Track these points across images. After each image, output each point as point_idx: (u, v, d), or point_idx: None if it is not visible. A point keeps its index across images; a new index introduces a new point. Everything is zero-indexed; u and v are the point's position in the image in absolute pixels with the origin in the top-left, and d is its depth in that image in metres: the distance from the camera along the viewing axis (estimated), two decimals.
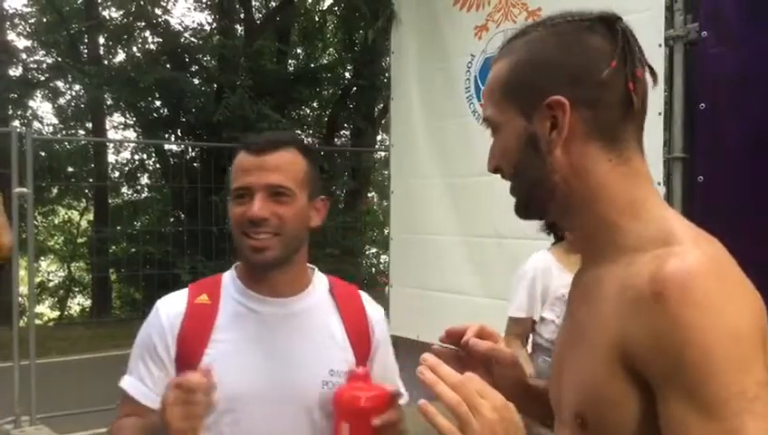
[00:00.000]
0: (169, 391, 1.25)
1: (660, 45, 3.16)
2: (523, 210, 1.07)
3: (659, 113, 3.15)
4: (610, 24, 1.00)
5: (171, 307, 1.52)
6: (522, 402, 1.07)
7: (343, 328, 1.56)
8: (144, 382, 1.49)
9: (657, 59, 3.16)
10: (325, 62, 17.84)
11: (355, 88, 16.31)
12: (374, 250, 16.75)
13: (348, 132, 18.13)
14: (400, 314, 4.51)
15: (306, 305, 1.55)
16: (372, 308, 1.63)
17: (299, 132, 17.47)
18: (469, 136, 3.95)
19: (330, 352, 1.51)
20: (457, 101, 4.10)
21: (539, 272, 2.88)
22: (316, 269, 1.64)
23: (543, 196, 1.02)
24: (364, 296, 1.66)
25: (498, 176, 1.08)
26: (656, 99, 3.15)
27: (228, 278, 1.57)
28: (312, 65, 17.33)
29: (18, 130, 5.66)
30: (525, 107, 1.01)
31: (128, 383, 1.51)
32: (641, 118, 1.04)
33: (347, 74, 16.87)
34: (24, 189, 4.98)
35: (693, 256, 0.87)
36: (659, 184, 3.11)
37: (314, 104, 18.10)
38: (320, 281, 1.61)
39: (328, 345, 1.52)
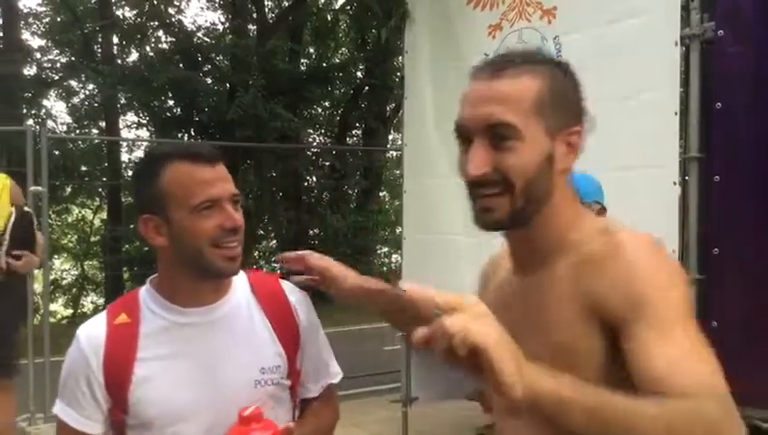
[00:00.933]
0: None
1: (676, 44, 3.13)
2: (511, 221, 1.14)
3: (675, 113, 3.11)
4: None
5: (91, 333, 1.48)
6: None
7: (268, 323, 1.53)
8: (75, 408, 1.45)
9: (674, 58, 3.14)
10: (337, 61, 17.85)
11: (367, 87, 16.32)
12: (386, 249, 16.75)
13: (359, 132, 18.12)
14: None
15: (228, 308, 1.51)
16: (293, 294, 1.59)
17: (311, 132, 17.50)
18: None
19: (258, 350, 1.50)
20: None
21: None
22: None
23: (535, 210, 1.13)
24: (285, 284, 1.62)
25: None
26: (672, 98, 3.13)
27: (145, 293, 1.53)
28: (325, 65, 17.35)
29: (33, 128, 5.69)
30: (552, 127, 1.12)
31: (59, 409, 1.48)
32: None
33: (359, 74, 16.87)
34: (39, 188, 5.01)
35: (633, 232, 1.11)
36: (675, 184, 3.08)
37: (326, 103, 18.12)
38: (239, 280, 1.57)
39: (255, 344, 1.51)
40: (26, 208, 4.17)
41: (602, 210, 2.77)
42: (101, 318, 1.51)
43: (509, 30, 3.91)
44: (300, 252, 1.55)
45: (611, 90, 3.35)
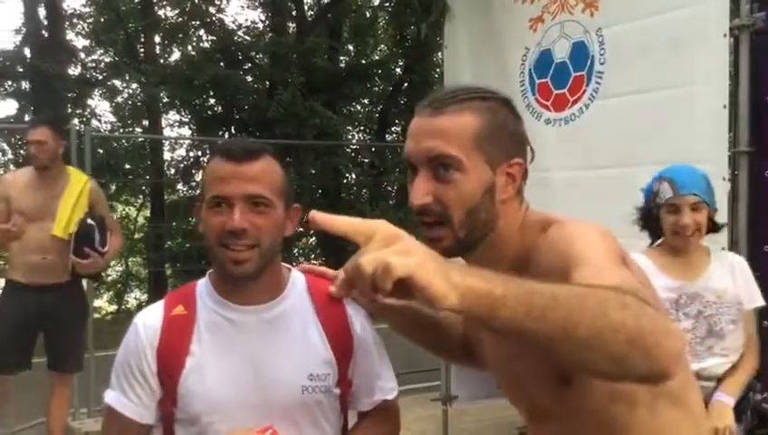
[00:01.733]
0: None
1: (725, 35, 3.04)
2: (457, 249, 1.22)
3: (724, 106, 3.02)
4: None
5: (148, 321, 1.49)
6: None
7: (322, 329, 1.51)
8: (128, 397, 1.47)
9: (722, 49, 3.05)
10: (376, 58, 17.84)
11: (406, 84, 16.28)
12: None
13: (399, 128, 18.09)
14: None
15: (282, 310, 1.50)
16: (351, 304, 1.56)
17: (350, 129, 17.52)
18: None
19: (308, 357, 1.48)
20: (512, 94, 3.99)
21: None
22: (293, 269, 1.59)
23: (479, 238, 1.22)
24: None
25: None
26: (720, 91, 3.04)
27: (203, 287, 1.54)
28: (363, 61, 17.36)
29: (77, 127, 5.78)
30: (492, 161, 1.20)
31: (112, 398, 1.49)
32: None
33: (398, 70, 16.84)
34: None
35: (564, 220, 1.20)
36: (724, 179, 2.99)
37: (365, 100, 18.11)
38: (297, 282, 1.56)
39: (306, 350, 1.48)
40: (100, 212, 4.27)
41: (699, 204, 2.54)
42: (159, 307, 1.52)
43: (550, 23, 3.84)
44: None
45: (657, 83, 3.28)
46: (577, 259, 1.05)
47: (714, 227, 2.65)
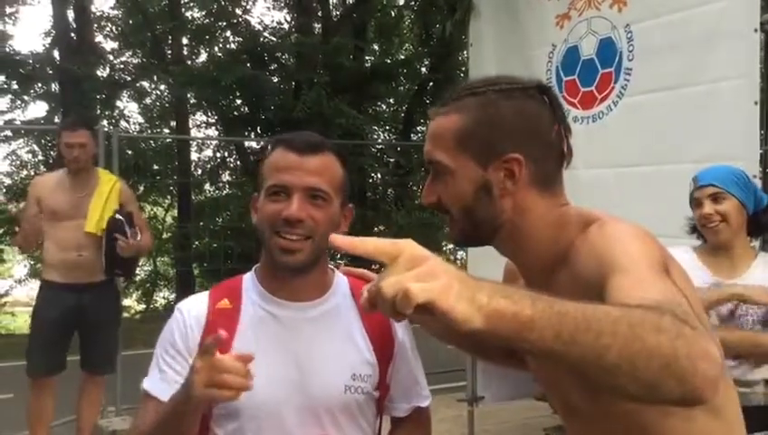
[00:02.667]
0: (197, 358, 1.21)
1: (756, 30, 2.98)
2: (466, 241, 1.31)
3: (755, 102, 2.96)
4: (544, 91, 1.24)
5: (193, 309, 1.48)
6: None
7: (364, 331, 1.50)
8: (167, 381, 1.42)
9: (753, 45, 2.99)
10: (402, 57, 17.83)
11: (431, 83, 16.24)
12: (451, 246, 16.65)
13: (424, 128, 18.02)
14: None
15: (326, 309, 1.49)
16: None
17: (375, 128, 17.53)
18: None
19: (351, 357, 1.46)
20: None
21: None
22: (336, 271, 1.58)
23: (489, 232, 1.23)
24: None
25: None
26: (751, 87, 2.99)
27: (249, 281, 1.53)
28: (389, 61, 17.35)
29: (105, 128, 5.84)
30: (481, 158, 1.19)
31: (149, 383, 1.46)
32: (567, 159, 1.28)
33: (423, 69, 16.81)
34: None
35: (605, 220, 1.16)
36: (755, 177, 2.93)
37: (391, 100, 18.11)
38: (340, 283, 1.55)
39: (349, 349, 1.47)
40: (129, 209, 4.31)
41: (719, 195, 2.48)
42: (203, 299, 1.51)
43: (577, 19, 3.80)
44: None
45: (686, 80, 3.23)
46: (616, 266, 1.02)
47: (755, 228, 2.57)
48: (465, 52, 4.94)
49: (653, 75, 3.40)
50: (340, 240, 0.86)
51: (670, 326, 0.83)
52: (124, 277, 4.83)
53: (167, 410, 1.32)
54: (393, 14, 17.08)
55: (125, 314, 10.09)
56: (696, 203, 2.55)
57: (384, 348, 1.51)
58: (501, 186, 1.20)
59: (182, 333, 1.45)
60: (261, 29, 16.31)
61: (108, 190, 4.25)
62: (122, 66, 16.80)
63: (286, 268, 1.42)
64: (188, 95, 14.70)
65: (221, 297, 1.50)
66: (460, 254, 14.73)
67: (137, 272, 17.57)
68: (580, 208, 1.26)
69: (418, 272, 0.80)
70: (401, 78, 16.80)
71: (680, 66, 3.26)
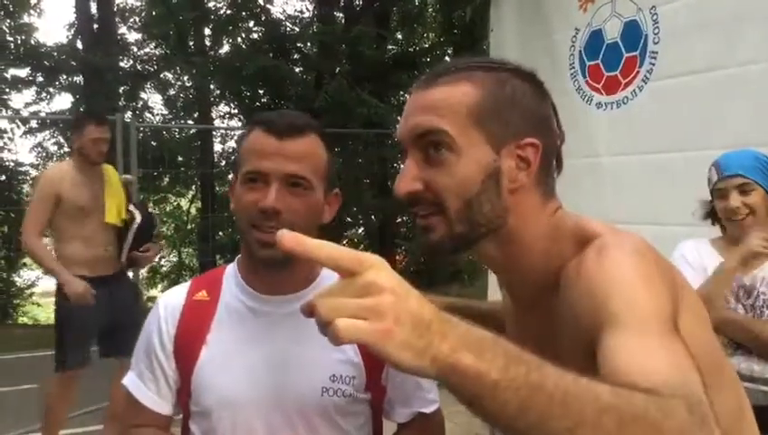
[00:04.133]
0: None
1: None
2: (451, 248, 1.02)
3: None
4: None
5: (170, 302, 1.42)
6: None
7: None
8: (144, 383, 1.40)
9: None
10: (425, 46, 17.70)
11: None
12: None
13: None
14: None
15: None
16: None
17: (398, 118, 17.43)
18: (574, 114, 3.72)
19: (332, 356, 1.33)
20: (560, 77, 3.88)
21: (695, 256, 2.48)
22: None
23: (484, 234, 1.01)
24: None
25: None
26: None
27: (230, 272, 1.44)
28: (411, 50, 17.23)
29: (124, 119, 5.84)
30: (496, 139, 0.99)
31: (130, 381, 1.43)
32: (559, 169, 1.09)
33: (446, 58, 16.67)
34: (129, 176, 5.12)
35: (604, 240, 0.96)
36: None
37: None
38: (326, 277, 1.40)
39: (330, 348, 1.30)
40: (150, 210, 4.40)
41: (747, 186, 2.36)
42: (183, 289, 1.45)
43: (601, 2, 3.69)
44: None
45: (716, 63, 3.12)
46: (614, 318, 0.85)
47: None
48: (488, 40, 4.83)
49: (679, 59, 3.28)
50: (287, 237, 0.69)
51: (667, 425, 0.66)
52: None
53: None
54: (417, 2, 16.92)
55: (150, 305, 10.16)
56: (719, 194, 2.42)
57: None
58: (512, 177, 0.99)
59: (158, 328, 1.40)
60: (283, 18, 16.29)
61: (116, 181, 4.31)
62: (146, 57, 16.87)
63: (265, 262, 1.32)
64: (211, 86, 14.71)
65: (200, 289, 1.43)
66: None
67: (162, 263, 17.73)
68: (576, 217, 1.06)
69: (361, 305, 0.67)
70: (424, 67, 16.67)
71: (709, 48, 3.14)
